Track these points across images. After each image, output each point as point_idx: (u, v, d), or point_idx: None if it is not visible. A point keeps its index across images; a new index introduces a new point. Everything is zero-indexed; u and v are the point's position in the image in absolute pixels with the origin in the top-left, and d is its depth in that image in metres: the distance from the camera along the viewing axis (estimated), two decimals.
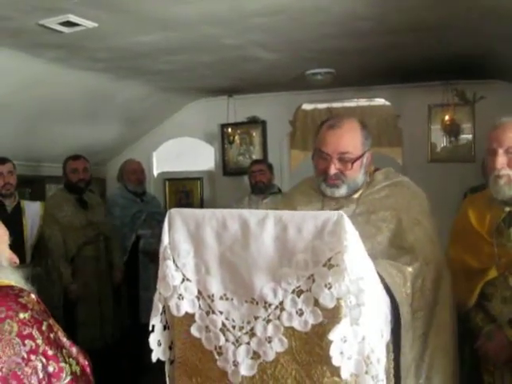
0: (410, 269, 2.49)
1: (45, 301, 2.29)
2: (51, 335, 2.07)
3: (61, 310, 5.58)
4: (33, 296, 2.14)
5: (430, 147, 7.14)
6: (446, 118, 6.88)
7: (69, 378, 2.03)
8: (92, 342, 5.44)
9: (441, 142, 7.12)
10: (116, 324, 6.00)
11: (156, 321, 2.30)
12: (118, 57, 5.36)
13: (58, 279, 5.63)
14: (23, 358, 1.95)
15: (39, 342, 2.01)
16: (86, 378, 2.12)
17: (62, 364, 2.04)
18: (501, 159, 2.88)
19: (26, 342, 1.98)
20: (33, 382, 1.96)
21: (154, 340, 2.31)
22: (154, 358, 2.32)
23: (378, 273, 2.24)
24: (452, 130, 6.94)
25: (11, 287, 2.13)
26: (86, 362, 2.18)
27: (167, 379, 2.39)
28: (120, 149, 8.14)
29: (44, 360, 1.99)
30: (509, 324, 2.89)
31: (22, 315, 2.02)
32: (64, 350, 2.08)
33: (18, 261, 2.38)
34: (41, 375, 1.98)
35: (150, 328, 2.29)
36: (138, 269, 6.33)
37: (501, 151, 2.87)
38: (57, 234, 5.65)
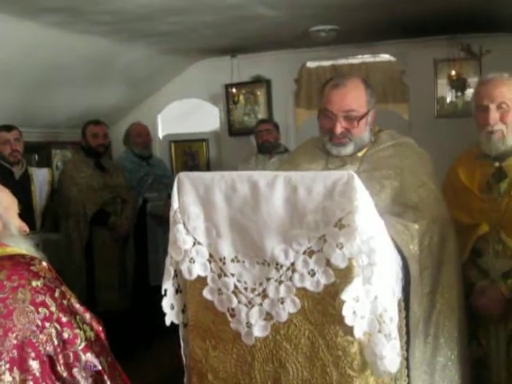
0: (416, 226, 2.49)
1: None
2: (64, 302, 2.07)
3: (83, 271, 5.68)
4: (44, 263, 2.13)
5: (436, 103, 7.07)
6: (453, 72, 6.80)
7: (83, 344, 2.05)
8: (110, 305, 5.58)
9: (447, 97, 7.05)
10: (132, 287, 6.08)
11: (168, 285, 2.31)
12: (118, 20, 5.29)
13: (78, 239, 5.72)
14: (37, 326, 1.96)
15: (53, 309, 2.01)
16: (100, 343, 2.13)
17: (77, 330, 2.04)
18: (493, 115, 2.88)
19: (40, 309, 1.98)
20: (48, 348, 1.97)
21: (166, 304, 2.33)
22: (167, 322, 2.35)
23: (387, 231, 2.24)
24: (459, 85, 6.86)
25: (22, 255, 2.13)
26: (100, 328, 2.19)
27: (181, 342, 2.41)
28: (124, 112, 8.09)
29: (58, 327, 2.01)
30: (502, 278, 2.90)
31: (34, 283, 2.02)
32: (78, 317, 2.09)
33: (27, 229, 2.38)
34: (56, 342, 1.99)
35: (163, 292, 2.31)
36: (146, 232, 6.34)
37: (493, 107, 2.88)
38: (76, 195, 5.73)
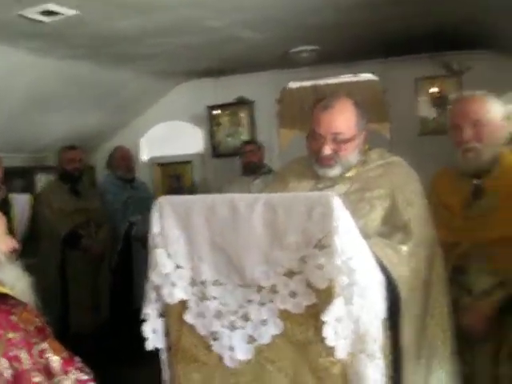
0: (404, 247, 2.48)
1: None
2: (41, 361, 1.96)
3: (58, 292, 5.68)
4: (28, 311, 2.02)
5: (418, 120, 7.11)
6: (434, 90, 6.86)
7: None
8: (83, 327, 5.61)
9: (429, 114, 7.10)
10: (111, 309, 6.09)
11: (149, 309, 2.30)
12: (100, 43, 5.29)
13: (52, 261, 5.73)
14: (8, 381, 1.87)
15: (26, 366, 1.91)
16: None
17: None
18: (468, 133, 2.91)
19: (12, 363, 1.89)
20: None
21: (148, 328, 2.31)
22: (149, 346, 2.32)
23: (374, 253, 2.24)
24: (440, 103, 6.92)
25: (4, 301, 2.01)
26: None
27: (163, 366, 2.39)
28: (108, 135, 8.06)
29: None
30: (484, 295, 2.90)
31: (10, 335, 1.92)
32: (55, 380, 1.97)
33: (16, 245, 2.28)
34: None
35: (143, 317, 2.29)
36: (132, 255, 6.34)
37: (466, 125, 2.91)
38: (50, 216, 5.79)
